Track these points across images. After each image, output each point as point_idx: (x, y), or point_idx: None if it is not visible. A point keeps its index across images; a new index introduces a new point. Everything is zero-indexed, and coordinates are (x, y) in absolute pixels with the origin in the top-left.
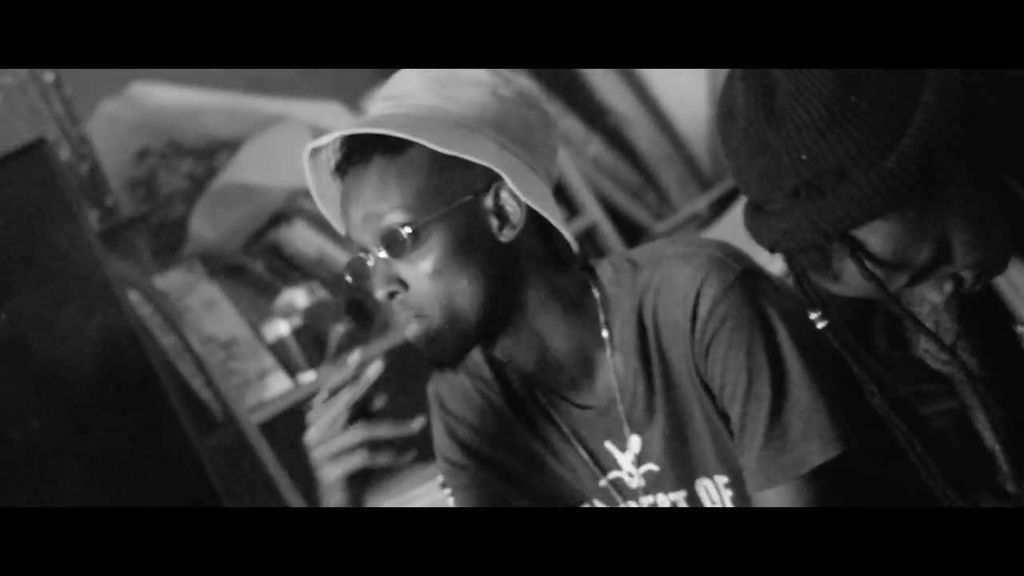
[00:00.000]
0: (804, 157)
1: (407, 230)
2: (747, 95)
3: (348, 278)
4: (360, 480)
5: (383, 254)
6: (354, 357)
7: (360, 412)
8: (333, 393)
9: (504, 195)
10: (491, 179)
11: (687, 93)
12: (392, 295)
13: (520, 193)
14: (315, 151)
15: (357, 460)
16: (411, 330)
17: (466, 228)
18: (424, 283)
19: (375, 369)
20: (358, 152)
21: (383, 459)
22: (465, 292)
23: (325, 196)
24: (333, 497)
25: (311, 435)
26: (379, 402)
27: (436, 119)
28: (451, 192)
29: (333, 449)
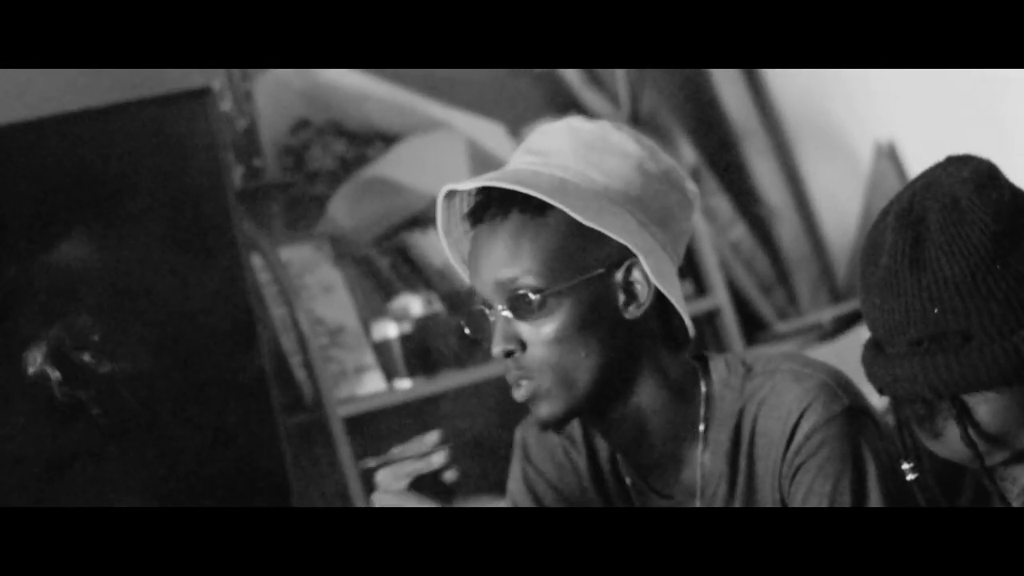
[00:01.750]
0: (936, 311)
1: (536, 296)
2: (897, 235)
3: (466, 330)
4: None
5: (507, 313)
6: (432, 436)
7: (418, 482)
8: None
9: (636, 273)
10: (625, 255)
11: (842, 200)
12: (509, 354)
13: (652, 275)
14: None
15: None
16: (520, 392)
17: (593, 300)
18: (542, 348)
19: (439, 458)
20: (497, 204)
21: None
22: (582, 363)
23: (451, 234)
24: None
25: (380, 478)
26: (450, 475)
27: (581, 186)
28: (584, 263)
29: (391, 493)
